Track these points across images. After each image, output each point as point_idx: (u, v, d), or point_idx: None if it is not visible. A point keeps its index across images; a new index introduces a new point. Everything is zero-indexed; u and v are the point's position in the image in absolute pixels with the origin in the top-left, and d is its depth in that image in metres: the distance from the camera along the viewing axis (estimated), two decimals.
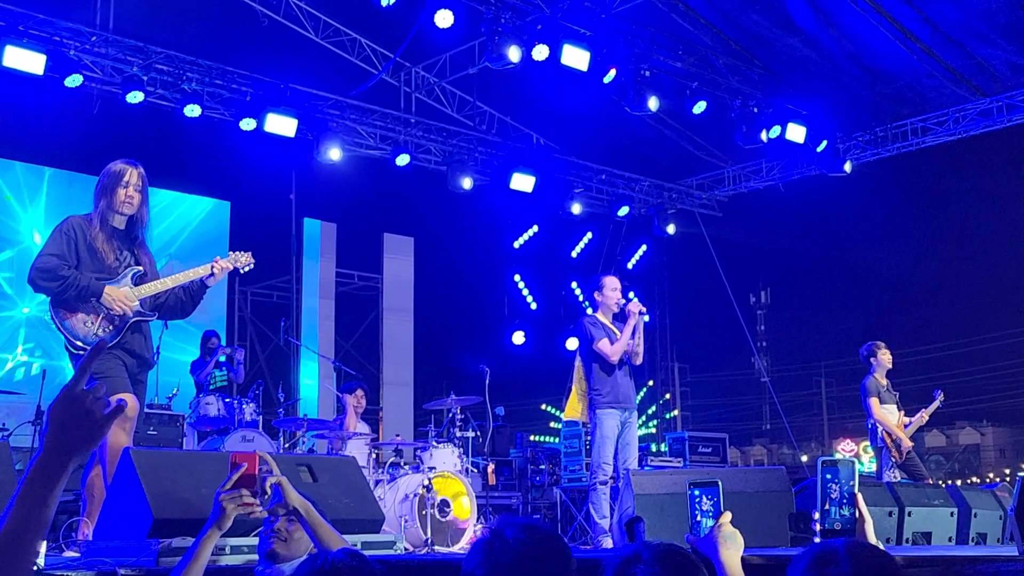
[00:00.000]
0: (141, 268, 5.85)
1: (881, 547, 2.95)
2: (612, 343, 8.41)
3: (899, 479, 9.63)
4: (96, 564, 3.96)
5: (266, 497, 3.61)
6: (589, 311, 8.90)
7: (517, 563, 2.41)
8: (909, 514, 6.48)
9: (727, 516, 3.20)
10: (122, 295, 5.66)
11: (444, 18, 11.56)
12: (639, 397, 20.13)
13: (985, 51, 13.34)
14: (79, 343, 5.54)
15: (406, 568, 4.10)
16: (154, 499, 4.24)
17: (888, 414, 10.16)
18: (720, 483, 3.28)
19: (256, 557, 3.77)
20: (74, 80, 11.39)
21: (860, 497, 3.00)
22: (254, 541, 3.89)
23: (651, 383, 20.21)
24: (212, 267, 5.97)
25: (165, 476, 4.39)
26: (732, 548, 3.11)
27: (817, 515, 3.01)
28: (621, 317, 8.63)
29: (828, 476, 3.04)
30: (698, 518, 3.25)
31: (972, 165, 16.39)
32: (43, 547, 3.83)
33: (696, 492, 3.28)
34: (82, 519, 5.30)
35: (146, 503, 4.22)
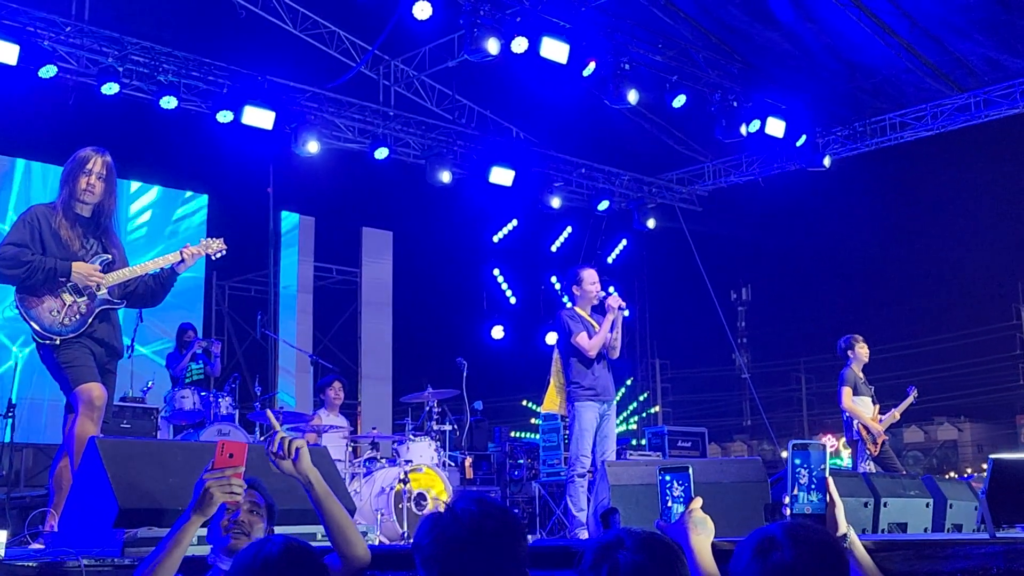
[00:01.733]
0: (109, 256, 5.77)
1: (850, 532, 2.93)
2: (590, 336, 8.37)
3: (875, 472, 9.63)
4: (60, 554, 3.88)
5: (290, 457, 3.46)
6: (568, 304, 8.83)
7: (465, 536, 2.38)
8: (885, 505, 6.46)
9: (698, 502, 3.17)
10: (92, 269, 5.59)
11: (422, 10, 11.51)
12: (619, 395, 20.15)
13: (963, 46, 13.36)
14: (45, 333, 5.46)
15: (376, 558, 4.04)
16: (120, 489, 4.17)
17: (863, 407, 10.19)
18: (691, 469, 3.24)
19: None
20: (48, 71, 11.28)
21: (831, 481, 2.97)
22: None
23: (631, 381, 20.19)
24: (182, 253, 5.90)
25: (131, 466, 4.32)
26: (703, 534, 3.09)
27: (787, 500, 2.98)
28: (600, 309, 8.58)
29: (797, 461, 3.01)
30: (669, 504, 3.21)
31: (950, 160, 16.45)
32: (3, 537, 3.77)
33: (668, 478, 3.24)
34: (49, 510, 5.23)
35: (111, 493, 4.15)
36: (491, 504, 2.47)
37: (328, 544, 3.49)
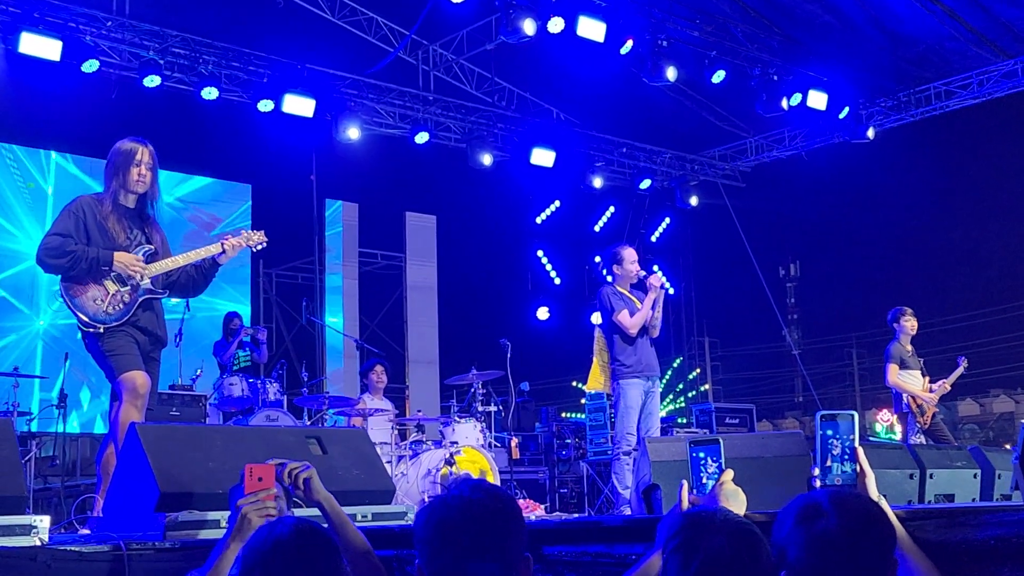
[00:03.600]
0: (152, 247, 5.84)
1: (882, 501, 2.90)
2: (632, 315, 8.35)
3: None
4: (102, 539, 3.95)
5: (299, 492, 3.57)
6: (609, 279, 8.80)
7: (462, 522, 2.37)
8: (931, 476, 6.37)
9: (729, 474, 3.16)
10: (133, 259, 5.65)
11: None
12: (667, 375, 20.03)
13: (1008, 12, 13.14)
14: (90, 321, 5.55)
15: (411, 536, 4.06)
16: (160, 473, 4.21)
17: (912, 379, 10.10)
18: (721, 441, 3.23)
19: None
20: (91, 65, 11.44)
21: (861, 451, 2.95)
22: None
23: (679, 361, 20.09)
24: (222, 244, 5.94)
25: (171, 451, 4.37)
26: (735, 505, 3.07)
27: (817, 471, 2.96)
28: (639, 286, 8.55)
29: (829, 432, 2.98)
30: (703, 480, 3.21)
31: (998, 128, 16.15)
32: (47, 522, 3.84)
33: (701, 454, 3.24)
34: (96, 497, 5.32)
35: (152, 478, 4.20)
36: (485, 489, 2.46)
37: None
